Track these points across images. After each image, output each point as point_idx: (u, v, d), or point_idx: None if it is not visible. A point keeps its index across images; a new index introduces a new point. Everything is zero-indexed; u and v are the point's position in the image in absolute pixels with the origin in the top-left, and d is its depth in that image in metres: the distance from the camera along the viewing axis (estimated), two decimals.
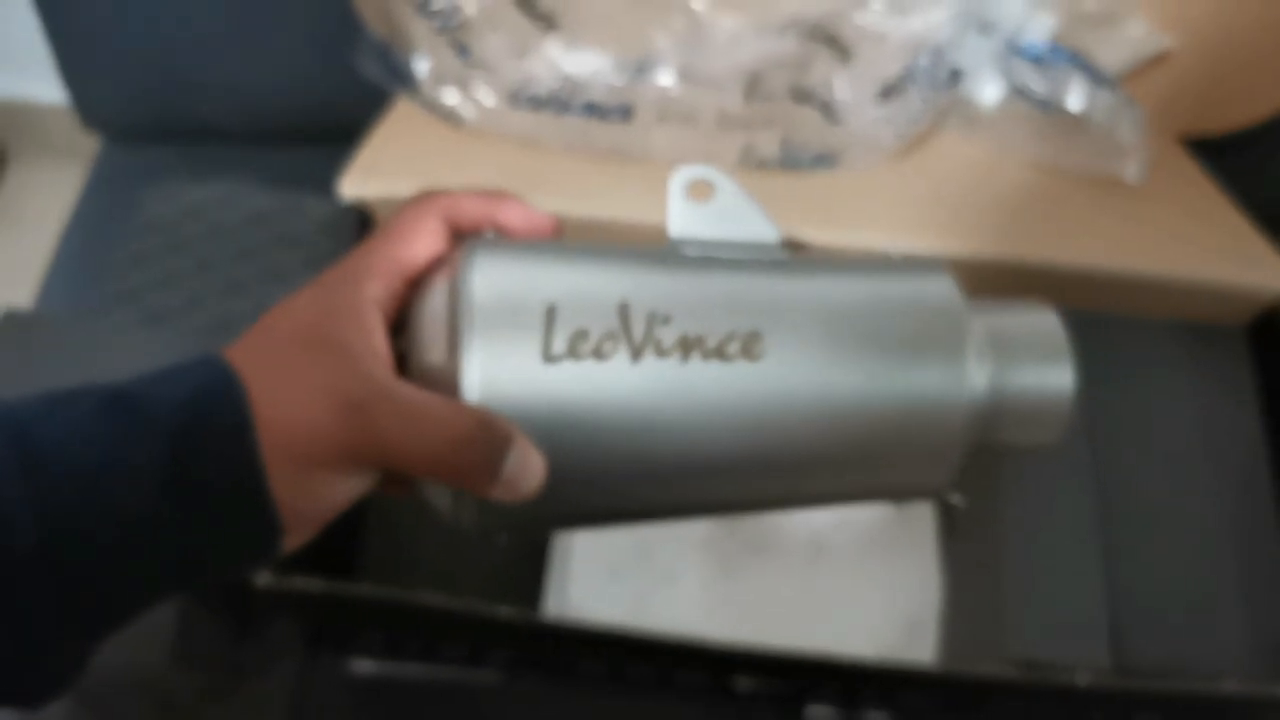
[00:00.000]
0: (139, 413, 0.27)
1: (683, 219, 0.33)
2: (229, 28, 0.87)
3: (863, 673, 0.55)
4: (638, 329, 0.30)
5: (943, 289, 0.34)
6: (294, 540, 0.29)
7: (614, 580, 0.66)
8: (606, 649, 0.58)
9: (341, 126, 0.73)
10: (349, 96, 0.74)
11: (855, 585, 0.68)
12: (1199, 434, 0.66)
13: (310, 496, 0.28)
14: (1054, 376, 0.34)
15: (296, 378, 0.28)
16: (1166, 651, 0.59)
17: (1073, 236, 0.68)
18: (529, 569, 0.70)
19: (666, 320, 0.30)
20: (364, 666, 0.74)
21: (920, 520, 0.70)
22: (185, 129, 0.94)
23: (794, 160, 0.69)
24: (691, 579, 0.67)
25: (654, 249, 0.32)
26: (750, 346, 0.30)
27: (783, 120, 0.68)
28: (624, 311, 0.30)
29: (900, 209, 0.70)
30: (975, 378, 0.33)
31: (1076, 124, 0.69)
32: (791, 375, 0.31)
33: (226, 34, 0.87)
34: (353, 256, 0.31)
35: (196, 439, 0.27)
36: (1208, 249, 0.68)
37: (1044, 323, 0.35)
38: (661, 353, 0.30)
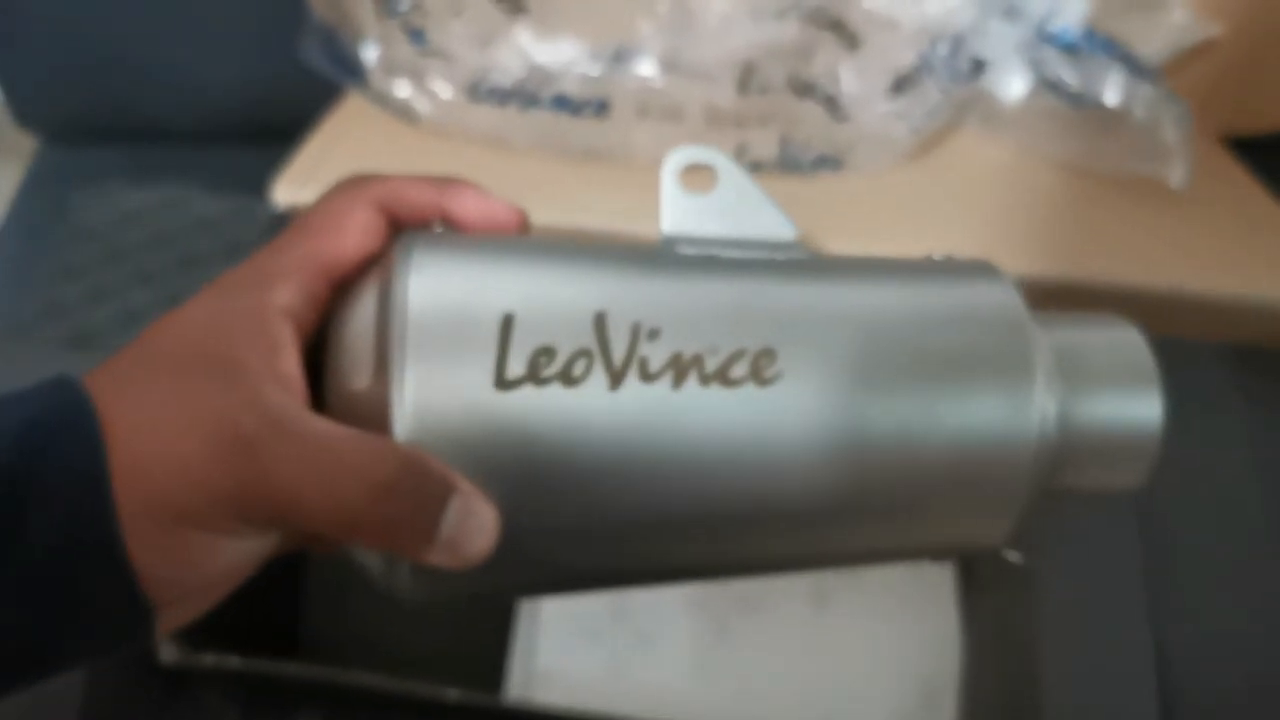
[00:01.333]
0: None
1: (678, 212, 0.28)
2: (174, 19, 0.83)
3: None
4: (618, 345, 0.24)
5: (1002, 297, 0.28)
6: (178, 615, 0.24)
7: (588, 642, 0.59)
8: None
9: (296, 124, 0.68)
10: (305, 93, 0.69)
11: (864, 647, 0.61)
12: (1258, 478, 0.59)
13: (183, 563, 0.23)
14: (1140, 407, 0.29)
15: (171, 406, 0.23)
16: None
17: (1108, 249, 0.63)
18: (495, 621, 0.63)
19: (655, 334, 0.25)
20: None
21: (938, 572, 0.63)
22: (127, 128, 0.88)
23: (794, 162, 0.64)
24: (677, 640, 0.60)
25: (640, 248, 0.27)
26: (761, 368, 0.25)
27: (781, 116, 0.63)
28: (601, 323, 0.24)
29: (913, 218, 0.64)
30: (1045, 407, 0.27)
31: (1113, 121, 0.64)
32: (814, 403, 0.26)
33: (172, 25, 0.83)
34: (263, 253, 0.26)
35: (29, 487, 0.22)
36: (1260, 263, 0.63)
37: (1126, 341, 0.30)
38: (648, 376, 0.24)
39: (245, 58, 0.82)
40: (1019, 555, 0.30)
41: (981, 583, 0.61)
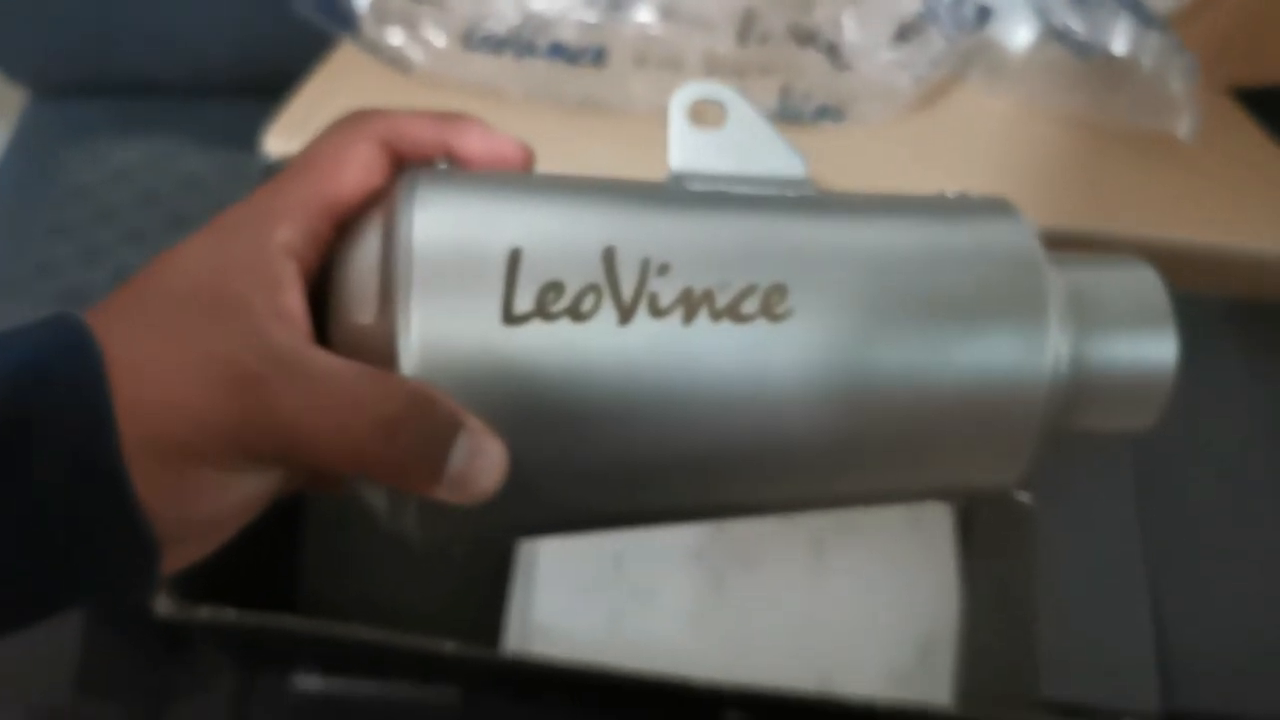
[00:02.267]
0: None
1: (687, 149, 0.27)
2: None
3: (873, 714, 0.47)
4: (628, 280, 0.24)
5: (1016, 234, 0.28)
6: (184, 555, 0.24)
7: (585, 597, 0.59)
8: (572, 683, 0.51)
9: (288, 77, 0.66)
10: (295, 47, 0.67)
11: (861, 600, 0.61)
12: (1260, 433, 0.58)
13: (190, 500, 0.23)
14: (1154, 347, 0.28)
15: (173, 344, 0.22)
16: (1224, 692, 0.51)
17: (1114, 201, 0.62)
18: (492, 576, 0.63)
19: (665, 270, 0.24)
20: (309, 683, 0.67)
21: (937, 524, 0.62)
22: (116, 82, 0.86)
23: (794, 113, 0.63)
24: (674, 594, 0.59)
25: (649, 184, 0.27)
26: (772, 303, 0.25)
27: (782, 65, 0.61)
28: (610, 258, 0.24)
29: (915, 169, 0.63)
30: (1059, 346, 0.27)
31: (1120, 71, 0.63)
32: (826, 339, 0.25)
33: None
34: (262, 191, 0.25)
35: (32, 424, 0.21)
36: (1267, 216, 0.62)
37: (1141, 280, 0.29)
38: (658, 311, 0.24)
39: (235, 11, 0.80)
40: (1028, 496, 0.29)
41: (980, 537, 0.61)
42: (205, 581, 0.48)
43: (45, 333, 0.22)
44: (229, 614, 0.48)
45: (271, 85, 0.66)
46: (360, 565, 0.65)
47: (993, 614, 0.58)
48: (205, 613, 0.47)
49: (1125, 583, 0.53)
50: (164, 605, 0.47)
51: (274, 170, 0.58)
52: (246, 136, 0.66)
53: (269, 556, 0.63)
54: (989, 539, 0.60)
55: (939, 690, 0.59)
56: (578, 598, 0.58)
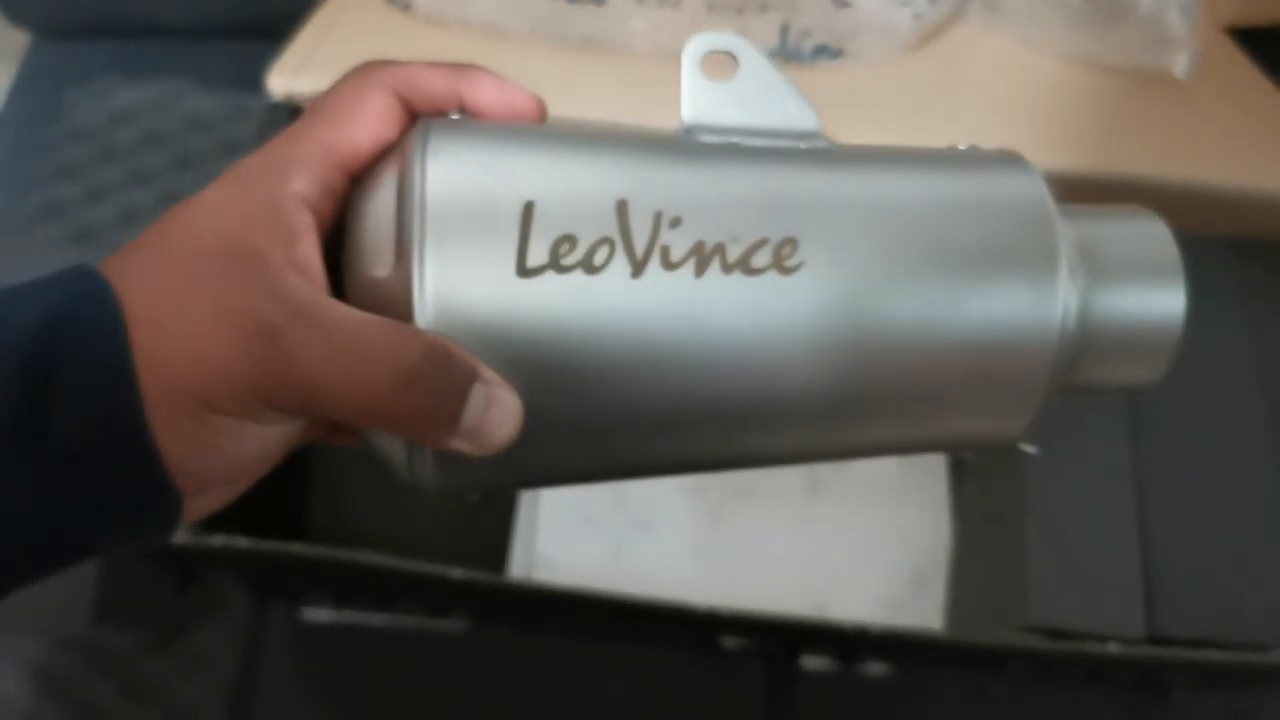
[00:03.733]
0: None
1: (699, 100, 0.27)
2: None
3: (865, 638, 0.49)
4: (640, 233, 0.24)
5: (1027, 187, 0.28)
6: (204, 504, 0.24)
7: (587, 528, 0.60)
8: (577, 607, 0.52)
9: (290, 19, 0.65)
10: None
11: (856, 531, 0.62)
12: (1250, 365, 0.59)
13: (210, 450, 0.23)
14: (1163, 299, 0.28)
15: (191, 297, 0.22)
16: (1207, 612, 0.52)
17: (1113, 140, 0.62)
18: (496, 510, 0.64)
19: (677, 223, 0.24)
20: (319, 615, 0.69)
21: (929, 460, 0.63)
22: (118, 24, 0.86)
23: (794, 52, 0.62)
24: (674, 525, 0.61)
25: (661, 136, 0.26)
26: (784, 256, 0.25)
27: (781, 3, 0.61)
28: (623, 211, 0.24)
29: (915, 109, 0.63)
30: (1069, 299, 0.27)
31: (1119, 9, 0.63)
32: (836, 292, 0.25)
33: None
34: (276, 143, 0.25)
35: (53, 377, 0.21)
36: (1266, 154, 0.62)
37: (1150, 232, 0.28)
38: (670, 264, 0.24)
39: None
40: (1035, 448, 0.30)
41: (972, 469, 0.62)
42: (215, 517, 0.49)
43: (65, 285, 0.22)
44: (241, 541, 0.49)
45: (273, 27, 0.66)
46: (365, 501, 0.67)
47: (983, 544, 0.59)
48: (219, 540, 0.48)
49: (1113, 512, 0.54)
50: (178, 534, 0.48)
51: (278, 109, 0.59)
52: (249, 77, 0.66)
53: (277, 493, 0.64)
54: (979, 471, 0.61)
55: (931, 617, 0.60)
56: (580, 528, 0.60)
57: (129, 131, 0.80)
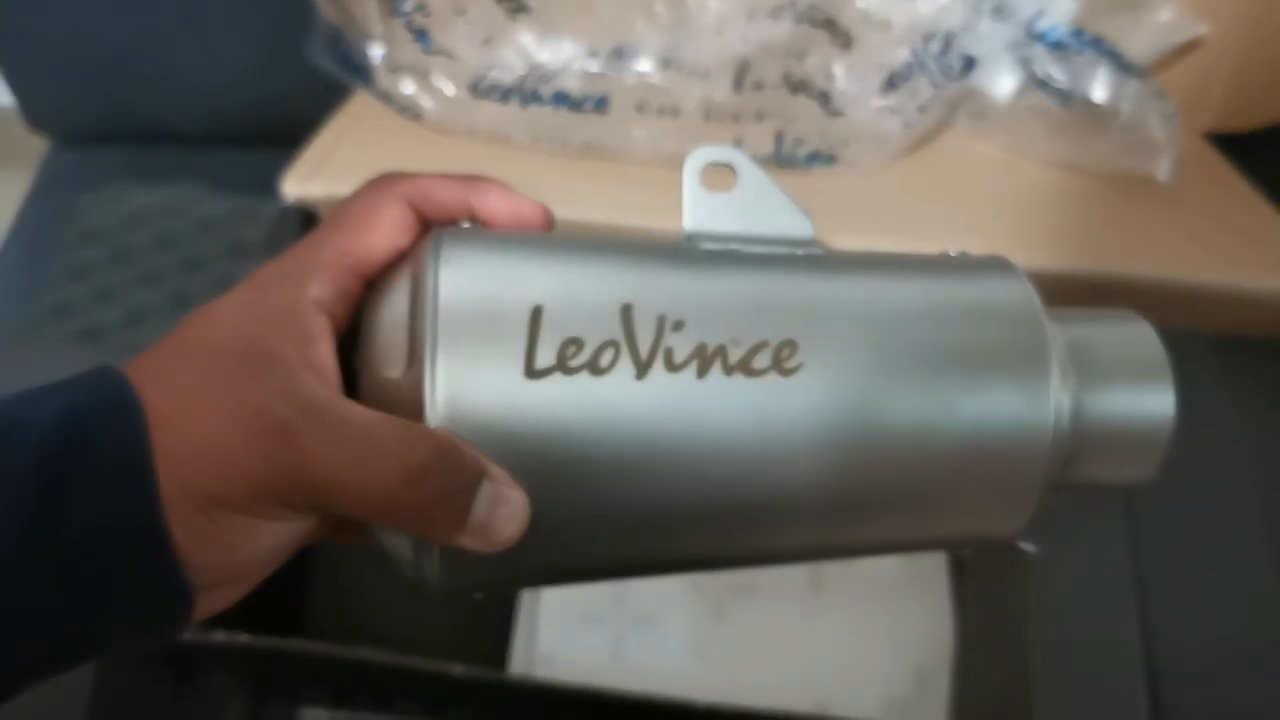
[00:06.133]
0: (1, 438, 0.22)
1: (699, 210, 0.28)
2: (179, 24, 0.83)
3: None
4: (644, 337, 0.25)
5: (1016, 292, 0.29)
6: (214, 602, 0.24)
7: (588, 625, 0.60)
8: (578, 705, 0.52)
9: (301, 126, 0.68)
10: (308, 94, 0.70)
11: (859, 629, 0.62)
12: (1243, 460, 0.59)
13: (225, 547, 0.23)
14: (1152, 400, 0.29)
15: (208, 396, 0.23)
16: (1213, 714, 0.52)
17: (1098, 241, 0.64)
18: (496, 608, 0.64)
19: (679, 326, 0.25)
20: (317, 715, 0.68)
21: (931, 558, 0.63)
22: (133, 131, 0.89)
23: (789, 158, 0.65)
24: (675, 622, 0.60)
25: (663, 244, 0.28)
26: (783, 358, 0.25)
27: (776, 112, 0.63)
28: (627, 315, 0.25)
29: (905, 212, 0.65)
30: (1060, 401, 0.28)
31: (1101, 117, 0.64)
32: (834, 393, 0.26)
33: (177, 27, 0.83)
34: (295, 250, 0.26)
35: (72, 473, 0.21)
36: (1245, 254, 0.64)
37: (1138, 336, 0.30)
38: (673, 366, 0.25)
39: (248, 63, 0.83)
40: (1033, 546, 0.30)
41: (973, 567, 0.62)
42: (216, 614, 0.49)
43: (86, 383, 0.23)
44: (242, 638, 0.49)
45: (284, 134, 0.68)
46: (366, 597, 0.66)
47: (986, 643, 0.59)
48: (220, 636, 0.48)
49: (1116, 612, 0.54)
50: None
51: (289, 212, 0.61)
52: (257, 182, 0.68)
53: (277, 591, 0.64)
54: (981, 569, 0.61)
55: (935, 717, 0.59)
56: (581, 625, 0.60)
57: (141, 234, 0.82)
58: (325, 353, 0.25)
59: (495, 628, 0.62)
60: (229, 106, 0.86)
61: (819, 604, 0.62)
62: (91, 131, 0.89)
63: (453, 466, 0.23)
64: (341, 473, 0.23)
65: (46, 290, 0.80)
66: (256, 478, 0.22)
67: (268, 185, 0.64)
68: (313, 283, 0.25)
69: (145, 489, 0.22)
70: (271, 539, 0.24)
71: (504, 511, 0.24)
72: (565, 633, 0.60)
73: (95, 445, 0.22)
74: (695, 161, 0.28)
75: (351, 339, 0.26)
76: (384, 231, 0.26)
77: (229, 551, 0.23)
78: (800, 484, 0.26)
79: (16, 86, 0.87)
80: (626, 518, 0.26)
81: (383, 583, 0.65)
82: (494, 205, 0.28)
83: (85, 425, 0.22)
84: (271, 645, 0.49)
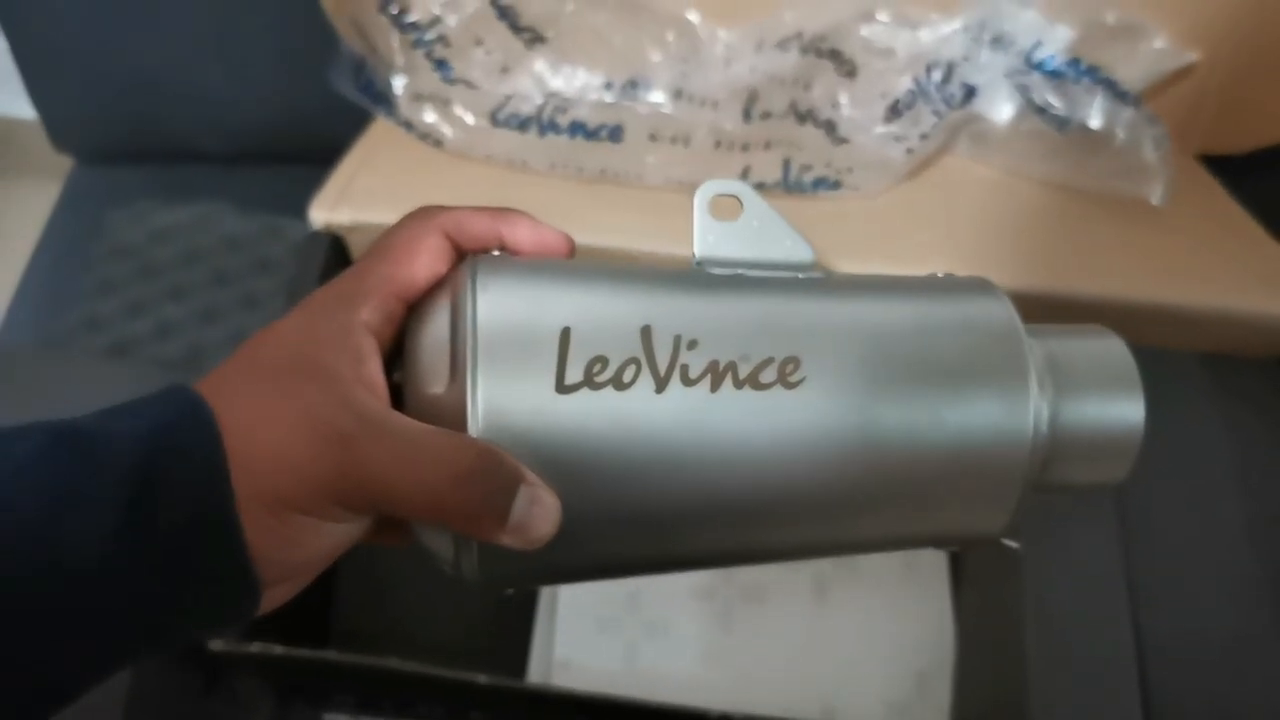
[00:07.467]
0: (90, 450, 0.24)
1: (708, 238, 0.31)
2: (204, 44, 0.84)
3: None
4: (662, 354, 0.27)
5: (998, 310, 0.31)
6: (276, 596, 0.27)
7: (603, 632, 0.62)
8: (596, 714, 0.54)
9: (323, 146, 0.70)
10: (331, 115, 0.71)
11: (861, 636, 0.64)
12: (1230, 470, 0.61)
13: (291, 545, 0.26)
14: (1123, 408, 0.31)
15: (275, 409, 0.25)
16: (1205, 714, 0.54)
17: (1093, 262, 0.65)
18: (515, 612, 0.66)
19: (694, 345, 0.28)
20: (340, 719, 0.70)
21: (931, 564, 0.66)
22: (158, 150, 0.90)
23: (796, 184, 0.66)
24: (686, 629, 0.63)
25: (678, 269, 0.30)
26: (788, 373, 0.28)
27: (783, 140, 0.65)
28: (647, 335, 0.27)
29: (909, 235, 0.66)
30: (1039, 408, 0.30)
31: (1096, 142, 0.66)
32: (834, 404, 0.28)
33: (203, 52, 0.85)
34: (344, 277, 0.29)
35: (158, 479, 0.24)
36: (1237, 276, 0.65)
37: (1110, 349, 0.32)
38: (689, 381, 0.27)
39: (272, 83, 0.85)
40: (1017, 543, 0.33)
41: (971, 573, 0.64)
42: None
43: (168, 400, 0.25)
44: (276, 649, 0.51)
45: (308, 153, 0.70)
46: (389, 601, 0.69)
47: (984, 648, 0.61)
48: (255, 648, 0.51)
49: (1109, 615, 0.56)
50: (215, 641, 0.51)
51: (317, 236, 0.63)
52: (284, 200, 0.70)
53: (305, 593, 0.66)
54: (979, 575, 0.63)
55: (936, 719, 0.62)
56: (595, 632, 0.62)
57: (168, 250, 0.84)
58: (375, 370, 0.27)
59: (514, 633, 0.64)
60: (254, 126, 0.87)
61: (824, 611, 0.64)
62: (116, 151, 0.91)
63: (494, 472, 0.25)
64: (397, 477, 0.25)
65: (76, 304, 0.82)
66: (321, 481, 0.25)
67: (292, 203, 0.65)
68: (362, 307, 0.28)
69: (222, 494, 0.24)
70: (332, 539, 0.27)
71: (539, 512, 0.26)
72: (581, 639, 0.62)
73: (179, 456, 0.24)
74: (704, 193, 0.31)
75: (394, 358, 0.29)
76: (424, 260, 0.29)
77: (295, 549, 0.26)
78: (804, 485, 0.29)
79: (43, 107, 0.88)
80: (647, 518, 0.28)
81: (405, 587, 0.68)
82: (522, 235, 0.30)
83: (170, 438, 0.24)
84: (304, 656, 0.51)
